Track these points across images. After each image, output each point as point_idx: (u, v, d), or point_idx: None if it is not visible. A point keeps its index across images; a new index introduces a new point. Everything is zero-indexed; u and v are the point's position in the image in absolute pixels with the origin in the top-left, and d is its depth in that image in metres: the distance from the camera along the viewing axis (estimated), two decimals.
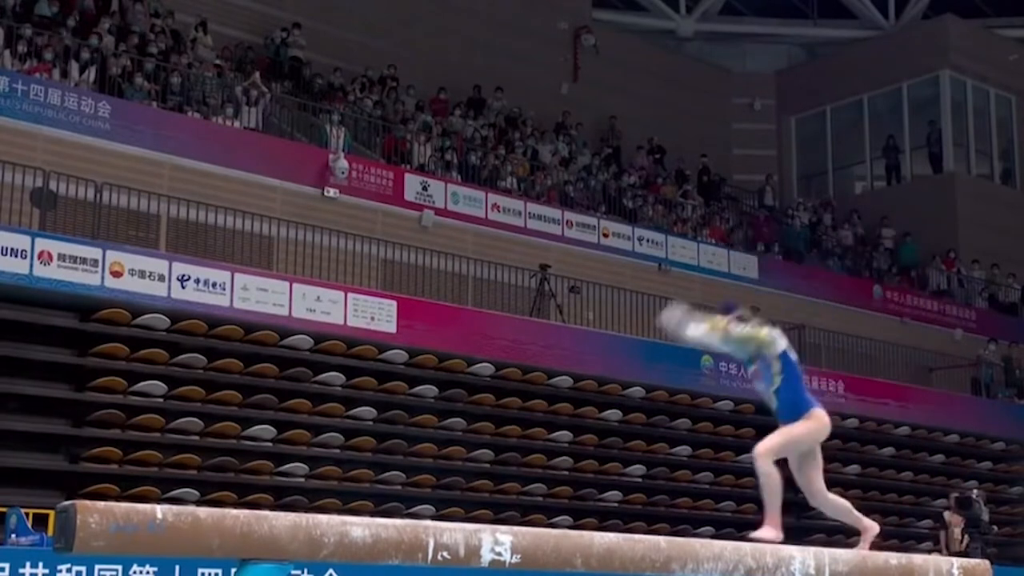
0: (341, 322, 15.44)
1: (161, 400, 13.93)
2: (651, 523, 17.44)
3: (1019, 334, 26.41)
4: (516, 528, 5.07)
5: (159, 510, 4.21)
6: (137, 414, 13.70)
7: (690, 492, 18.44)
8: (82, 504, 4.06)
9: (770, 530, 6.47)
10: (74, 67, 17.35)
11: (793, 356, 6.97)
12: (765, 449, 6.72)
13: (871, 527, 6.86)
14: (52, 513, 6.97)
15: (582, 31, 28.07)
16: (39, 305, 13.47)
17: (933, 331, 25.33)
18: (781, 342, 6.92)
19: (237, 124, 18.53)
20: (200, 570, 11.36)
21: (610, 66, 28.09)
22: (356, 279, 16.89)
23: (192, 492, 13.63)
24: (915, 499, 21.19)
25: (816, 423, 6.85)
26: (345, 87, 21.94)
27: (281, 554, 4.43)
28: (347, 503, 14.59)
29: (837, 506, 7.05)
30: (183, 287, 14.22)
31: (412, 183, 19.47)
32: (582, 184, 23.45)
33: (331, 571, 11.48)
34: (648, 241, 21.99)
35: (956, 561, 6.34)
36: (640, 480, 17.96)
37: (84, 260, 13.62)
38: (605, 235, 21.42)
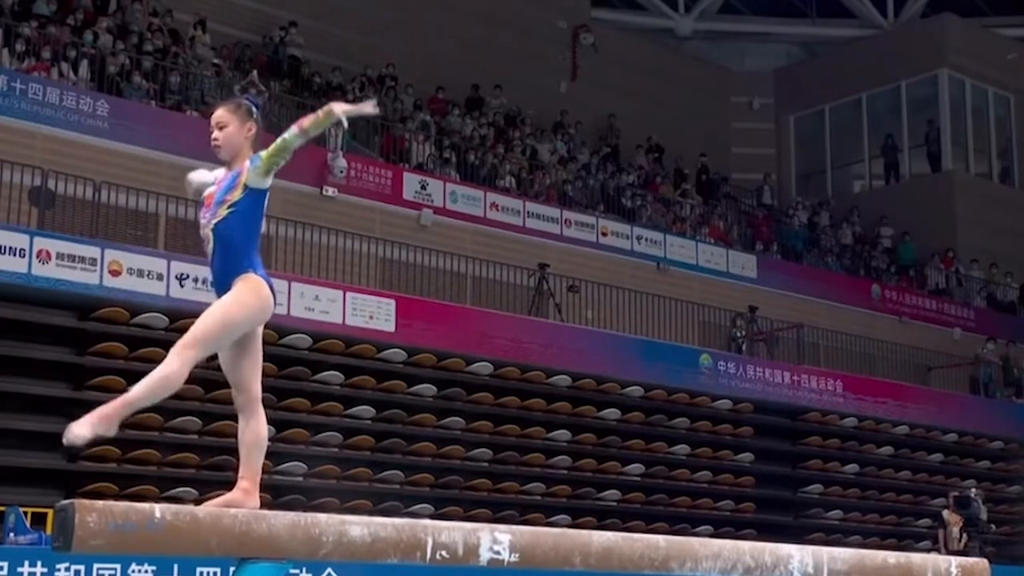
0: (340, 321, 15.44)
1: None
2: (650, 522, 17.43)
3: (1017, 333, 26.44)
4: (515, 527, 5.06)
5: (157, 509, 4.21)
6: (135, 413, 13.64)
7: (688, 491, 18.44)
8: (80, 503, 4.06)
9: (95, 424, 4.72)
10: (71, 66, 17.33)
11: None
12: (188, 341, 5.12)
13: (250, 491, 4.96)
14: (51, 512, 6.96)
15: (581, 30, 28.04)
16: (38, 304, 13.48)
17: (932, 330, 25.33)
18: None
19: None
20: (199, 569, 11.37)
21: (609, 65, 28.08)
22: (355, 278, 16.88)
23: (191, 491, 13.61)
24: (913, 498, 21.20)
25: (253, 294, 5.06)
26: (344, 86, 21.91)
27: (279, 553, 4.43)
28: (345, 502, 14.58)
29: (259, 434, 5.31)
30: (182, 286, 14.21)
31: (411, 182, 19.46)
32: (581, 183, 23.44)
33: (330, 570, 11.49)
34: (647, 240, 21.98)
35: (955, 560, 6.33)
36: (638, 479, 17.97)
37: (83, 259, 13.62)
38: (604, 234, 21.41)
